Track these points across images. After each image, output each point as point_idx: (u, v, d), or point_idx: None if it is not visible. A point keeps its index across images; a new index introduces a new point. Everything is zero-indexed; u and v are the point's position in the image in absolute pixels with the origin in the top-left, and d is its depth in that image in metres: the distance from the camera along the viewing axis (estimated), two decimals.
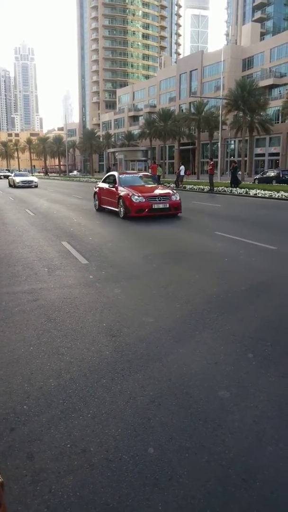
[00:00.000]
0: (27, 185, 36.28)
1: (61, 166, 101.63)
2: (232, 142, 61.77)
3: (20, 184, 36.44)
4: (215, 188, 26.87)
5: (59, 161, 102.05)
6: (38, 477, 2.25)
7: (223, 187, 27.39)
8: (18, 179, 37.11)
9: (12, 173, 50.54)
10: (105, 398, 2.98)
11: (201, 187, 28.86)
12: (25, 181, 36.75)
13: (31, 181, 36.74)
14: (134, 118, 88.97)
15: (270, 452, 2.40)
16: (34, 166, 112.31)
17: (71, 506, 2.05)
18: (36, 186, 36.24)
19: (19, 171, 73.10)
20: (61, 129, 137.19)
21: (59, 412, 2.83)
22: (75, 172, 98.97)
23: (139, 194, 12.78)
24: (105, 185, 14.88)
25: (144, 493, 2.12)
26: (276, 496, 2.09)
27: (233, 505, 2.04)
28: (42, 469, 2.30)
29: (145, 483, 2.19)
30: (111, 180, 14.69)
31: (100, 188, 15.46)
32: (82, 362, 3.54)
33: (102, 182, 15.54)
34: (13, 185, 37.17)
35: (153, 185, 14.61)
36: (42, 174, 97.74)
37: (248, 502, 2.06)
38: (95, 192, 16.03)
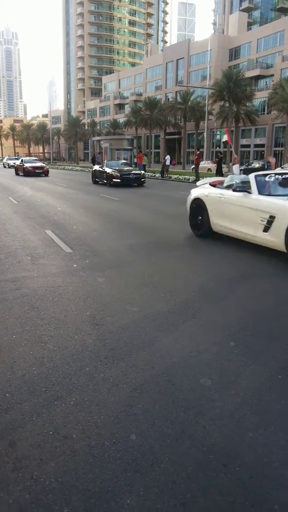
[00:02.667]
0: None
1: (46, 154, 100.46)
2: (218, 132, 61.77)
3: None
4: (201, 178, 26.87)
5: (43, 149, 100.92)
6: (20, 464, 2.25)
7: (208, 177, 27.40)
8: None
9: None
10: (88, 386, 2.99)
11: (187, 177, 28.90)
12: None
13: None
14: (120, 106, 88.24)
15: (249, 438, 2.45)
16: (18, 153, 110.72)
17: (52, 492, 2.07)
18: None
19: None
20: (45, 116, 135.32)
21: (42, 400, 2.83)
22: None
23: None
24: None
25: (125, 479, 2.14)
26: (254, 480, 2.14)
27: (213, 489, 2.08)
28: (24, 456, 2.31)
29: (127, 468, 2.21)
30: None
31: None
32: (65, 350, 3.54)
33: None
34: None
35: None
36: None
37: (227, 487, 2.10)
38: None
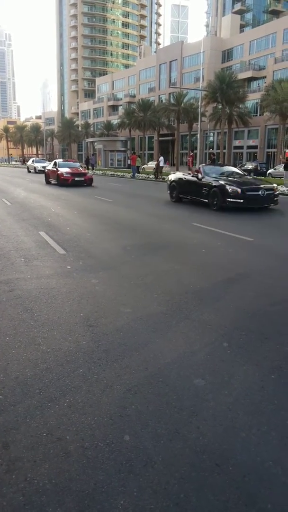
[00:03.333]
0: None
1: (39, 155, 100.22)
2: (211, 134, 62.00)
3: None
4: None
5: (37, 150, 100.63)
6: (14, 466, 2.25)
7: None
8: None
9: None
10: (81, 387, 2.99)
11: None
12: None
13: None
14: (114, 108, 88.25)
15: (242, 438, 2.47)
16: (11, 155, 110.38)
17: (46, 493, 2.07)
18: None
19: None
20: (39, 117, 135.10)
21: (35, 401, 2.83)
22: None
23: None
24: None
25: (119, 480, 2.15)
26: (247, 480, 2.15)
27: (207, 489, 2.09)
28: (18, 458, 2.30)
29: (120, 469, 2.22)
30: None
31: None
32: (59, 352, 3.54)
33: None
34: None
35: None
36: (19, 163, 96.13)
37: (221, 486, 2.11)
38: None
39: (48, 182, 26.07)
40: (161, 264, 6.58)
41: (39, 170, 40.42)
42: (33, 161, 46.76)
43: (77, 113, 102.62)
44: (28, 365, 3.32)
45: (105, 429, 2.54)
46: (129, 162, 35.24)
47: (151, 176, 32.40)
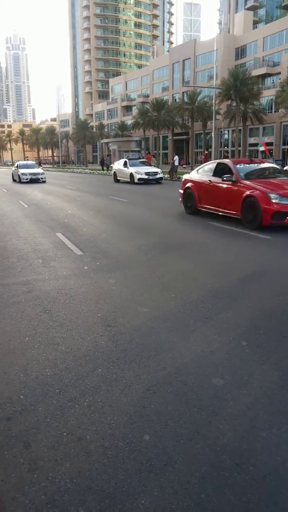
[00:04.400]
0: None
1: (55, 157, 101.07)
2: (226, 132, 61.57)
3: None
4: None
5: (52, 152, 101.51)
6: (35, 465, 2.28)
7: None
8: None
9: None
10: (100, 387, 3.01)
11: None
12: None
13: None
14: (127, 108, 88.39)
15: (263, 437, 2.45)
16: (27, 157, 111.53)
17: (68, 492, 2.08)
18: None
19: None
20: (54, 119, 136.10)
21: (55, 401, 2.86)
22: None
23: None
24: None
25: (139, 479, 2.16)
26: (268, 480, 2.14)
27: (227, 489, 2.09)
28: (39, 457, 2.33)
29: (141, 469, 2.22)
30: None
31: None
32: (78, 351, 3.57)
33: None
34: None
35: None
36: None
37: (241, 487, 2.10)
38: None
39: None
40: (177, 264, 6.57)
41: (26, 180, 28.66)
42: (17, 166, 31.38)
43: (91, 115, 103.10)
44: (48, 365, 3.35)
45: (125, 429, 2.55)
46: None
47: (166, 176, 32.36)
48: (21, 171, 29.88)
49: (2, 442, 2.46)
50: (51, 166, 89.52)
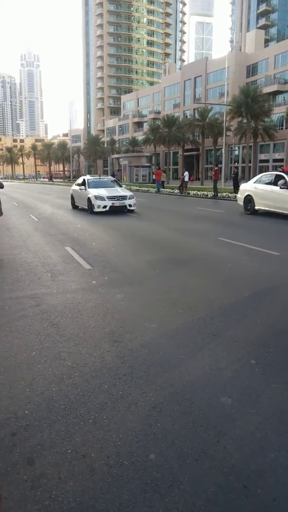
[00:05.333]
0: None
1: (66, 172, 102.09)
2: (236, 148, 61.82)
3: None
4: (219, 194, 26.88)
5: (64, 167, 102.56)
6: (39, 482, 2.24)
7: (227, 193, 27.40)
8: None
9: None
10: (106, 404, 2.97)
11: (205, 193, 28.88)
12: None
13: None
14: (139, 124, 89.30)
15: (271, 459, 2.39)
16: (38, 172, 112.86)
17: None
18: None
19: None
20: (65, 135, 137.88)
21: (60, 417, 2.83)
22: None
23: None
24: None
25: (144, 500, 2.11)
26: (277, 504, 2.08)
27: None
28: (43, 475, 2.29)
29: (146, 489, 2.18)
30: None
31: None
32: (84, 367, 3.54)
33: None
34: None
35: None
36: (46, 179, 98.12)
37: (249, 510, 2.05)
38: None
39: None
40: (186, 279, 6.54)
41: (103, 209, 16.27)
42: (84, 183, 18.34)
43: (103, 130, 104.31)
44: (54, 380, 3.33)
45: (130, 447, 2.51)
46: (154, 177, 35.48)
47: (176, 191, 32.48)
48: (94, 192, 16.59)
49: (6, 458, 2.43)
50: (62, 180, 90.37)
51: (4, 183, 12.30)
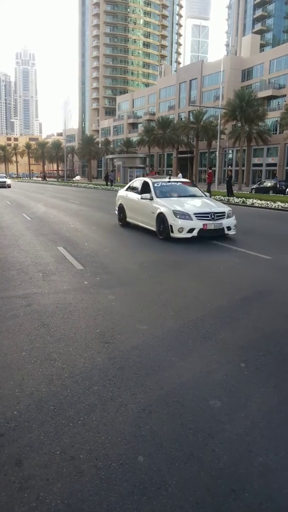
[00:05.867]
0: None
1: (60, 171, 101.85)
2: (230, 151, 62.11)
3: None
4: (212, 197, 26.94)
5: (57, 166, 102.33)
6: (26, 484, 2.23)
7: (219, 196, 27.49)
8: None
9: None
10: (96, 405, 2.97)
11: None
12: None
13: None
14: (133, 125, 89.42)
15: (260, 462, 2.40)
16: (32, 170, 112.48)
17: None
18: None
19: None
20: (60, 134, 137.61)
21: (49, 418, 2.82)
22: (77, 177, 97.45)
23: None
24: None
25: (132, 502, 2.11)
26: (264, 508, 2.09)
27: None
28: (30, 476, 2.28)
29: (134, 491, 2.17)
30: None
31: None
32: (74, 368, 3.53)
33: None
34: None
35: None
36: (40, 178, 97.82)
37: None
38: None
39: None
40: (178, 281, 6.55)
41: (187, 235, 9.91)
42: (150, 186, 11.46)
43: (98, 130, 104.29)
44: (44, 381, 3.32)
45: (119, 449, 2.50)
46: None
47: None
48: (168, 205, 10.42)
49: None
50: (56, 180, 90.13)
51: None
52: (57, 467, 2.35)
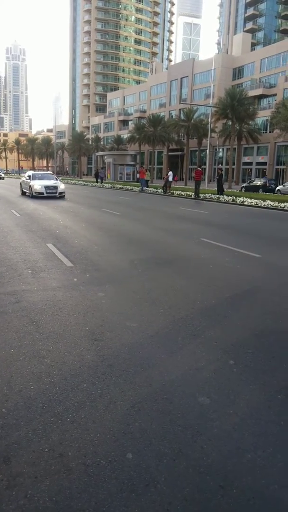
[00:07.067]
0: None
1: (49, 168, 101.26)
2: (221, 150, 62.25)
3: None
4: (202, 195, 27.03)
5: (47, 163, 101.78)
6: (14, 481, 2.22)
7: (210, 194, 27.58)
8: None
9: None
10: (85, 403, 2.96)
11: (189, 193, 29.02)
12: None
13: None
14: (124, 123, 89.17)
15: (248, 459, 2.41)
16: (21, 167, 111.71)
17: (46, 511, 2.03)
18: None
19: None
20: (50, 130, 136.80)
21: (38, 415, 2.80)
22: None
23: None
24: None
25: (121, 499, 2.11)
26: (252, 504, 2.10)
27: None
28: (19, 474, 2.27)
29: (122, 488, 2.18)
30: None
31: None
32: (63, 365, 3.51)
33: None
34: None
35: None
36: None
37: (225, 509, 2.06)
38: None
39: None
40: (168, 279, 6.56)
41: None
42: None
43: (88, 127, 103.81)
44: (32, 378, 3.30)
45: (108, 446, 2.50)
46: (138, 176, 35.47)
47: (160, 191, 32.54)
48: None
49: None
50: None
51: None
52: (45, 465, 2.34)
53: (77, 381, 3.26)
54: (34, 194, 23.09)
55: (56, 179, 25.96)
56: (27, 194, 24.50)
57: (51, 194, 23.11)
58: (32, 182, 23.73)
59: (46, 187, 23.25)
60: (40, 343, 3.97)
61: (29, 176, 25.40)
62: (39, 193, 23.04)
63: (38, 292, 5.62)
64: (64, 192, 23.77)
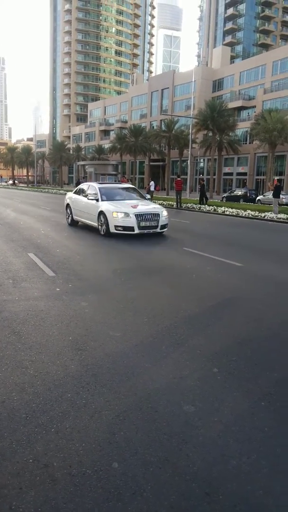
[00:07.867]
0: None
1: (30, 177, 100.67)
2: (202, 160, 62.99)
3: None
4: (183, 205, 27.24)
5: (27, 172, 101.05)
6: None
7: (191, 204, 27.81)
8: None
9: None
10: (69, 413, 2.94)
11: (170, 203, 29.21)
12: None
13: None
14: (105, 132, 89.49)
15: (233, 466, 2.43)
16: (1, 176, 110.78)
17: None
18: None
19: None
20: (30, 139, 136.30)
21: (22, 426, 2.77)
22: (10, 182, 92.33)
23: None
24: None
25: (107, 508, 2.10)
26: (238, 510, 2.12)
27: None
28: (3, 485, 2.24)
29: (109, 497, 2.17)
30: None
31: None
32: (47, 376, 3.49)
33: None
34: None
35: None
36: (8, 184, 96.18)
37: None
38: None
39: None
40: (151, 288, 6.58)
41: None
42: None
43: (69, 137, 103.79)
44: (15, 389, 3.26)
45: (93, 456, 2.49)
46: None
47: None
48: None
49: None
50: (26, 185, 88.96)
51: None
52: (30, 475, 2.32)
53: (61, 391, 3.24)
54: (113, 230, 11.69)
55: (145, 198, 14.39)
56: (84, 224, 14.06)
57: (149, 230, 11.90)
58: (104, 205, 12.10)
59: (139, 216, 11.67)
60: (23, 353, 3.94)
61: (89, 194, 13.44)
62: (126, 227, 11.61)
63: (20, 302, 5.57)
64: (167, 223, 12.70)
